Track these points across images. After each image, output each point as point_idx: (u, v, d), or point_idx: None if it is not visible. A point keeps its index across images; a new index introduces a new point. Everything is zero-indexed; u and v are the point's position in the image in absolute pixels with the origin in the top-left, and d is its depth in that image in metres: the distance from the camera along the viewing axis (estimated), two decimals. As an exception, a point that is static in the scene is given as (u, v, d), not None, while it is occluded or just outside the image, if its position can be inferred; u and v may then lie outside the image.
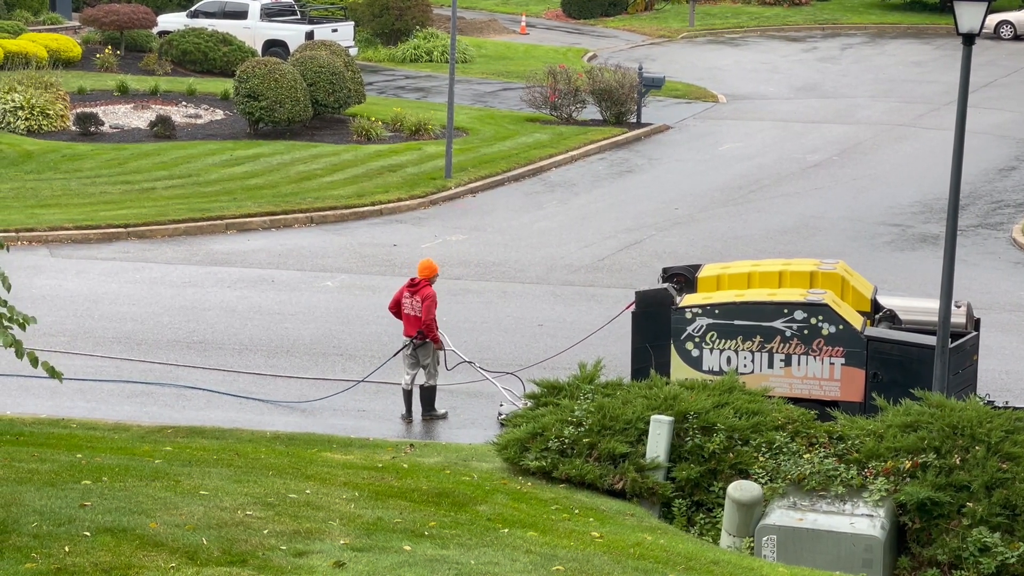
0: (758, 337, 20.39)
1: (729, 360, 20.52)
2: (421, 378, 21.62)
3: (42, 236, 31.56)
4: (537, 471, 16.95)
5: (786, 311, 20.35)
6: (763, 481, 16.18)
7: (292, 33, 51.97)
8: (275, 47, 51.64)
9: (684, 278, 22.45)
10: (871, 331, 20.53)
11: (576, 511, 15.28)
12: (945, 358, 19.52)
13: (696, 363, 20.61)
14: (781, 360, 20.36)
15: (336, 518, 13.57)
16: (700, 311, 20.61)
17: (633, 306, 21.65)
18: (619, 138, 43.83)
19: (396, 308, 21.94)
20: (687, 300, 21.08)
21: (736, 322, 20.51)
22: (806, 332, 20.24)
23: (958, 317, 21.34)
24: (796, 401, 20.04)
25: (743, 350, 20.45)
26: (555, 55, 57.54)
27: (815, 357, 20.22)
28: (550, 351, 24.33)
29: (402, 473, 16.86)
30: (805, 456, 16.41)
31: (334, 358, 24.24)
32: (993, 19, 62.84)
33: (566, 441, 16.98)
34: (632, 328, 21.31)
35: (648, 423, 17.01)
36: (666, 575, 12.88)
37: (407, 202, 35.83)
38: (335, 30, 52.61)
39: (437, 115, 43.41)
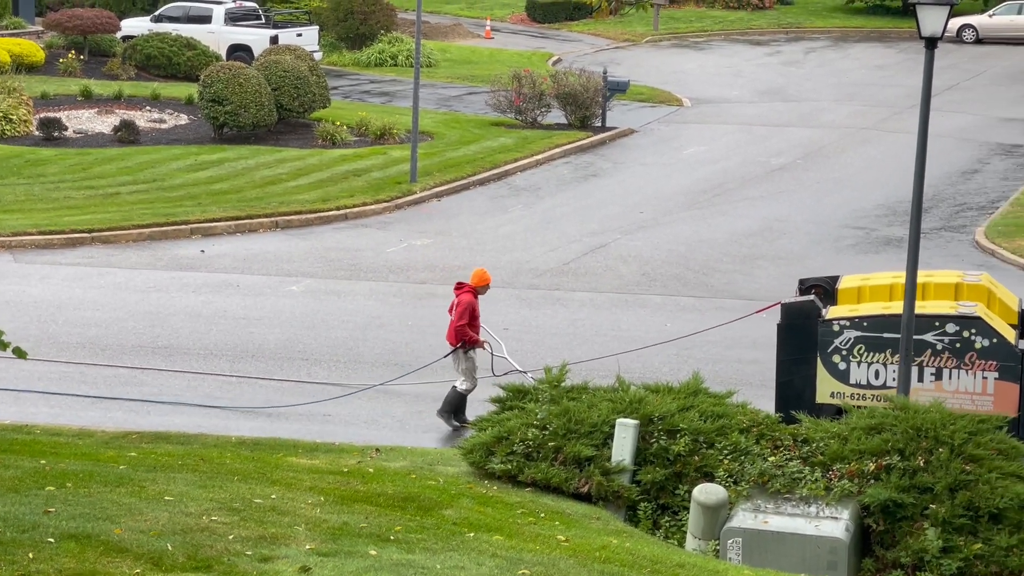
0: None
1: (877, 373, 20.25)
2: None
3: (5, 241, 31.42)
4: (503, 475, 16.96)
5: (937, 324, 20.09)
6: (728, 484, 16.22)
7: (256, 38, 51.86)
8: (240, 52, 51.52)
9: (823, 289, 22.04)
10: None
11: (542, 515, 15.31)
12: (910, 360, 19.60)
13: (843, 376, 20.33)
14: (932, 374, 20.12)
15: (302, 523, 13.55)
16: (848, 323, 20.30)
17: (770, 311, 21.45)
18: (584, 142, 43.89)
19: (450, 312, 22.32)
20: (834, 312, 20.81)
21: (885, 335, 20.22)
22: (958, 345, 20.00)
23: None
24: None
25: (892, 363, 20.15)
26: (520, 59, 57.59)
27: (967, 371, 19.94)
28: (513, 355, 24.34)
29: (368, 478, 16.84)
30: (770, 459, 16.46)
31: (299, 363, 24.21)
32: (955, 23, 63.12)
33: (531, 445, 16.99)
34: (778, 341, 20.98)
35: (613, 426, 17.03)
36: (632, 578, 12.92)
37: (372, 206, 35.79)
38: (300, 34, 52.53)
39: (402, 119, 43.38)
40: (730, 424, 17.11)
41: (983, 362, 19.88)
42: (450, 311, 22.31)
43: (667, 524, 16.37)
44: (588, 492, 16.57)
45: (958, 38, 63.67)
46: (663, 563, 13.78)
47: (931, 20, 19.10)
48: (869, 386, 20.17)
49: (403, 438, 20.97)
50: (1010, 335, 20.21)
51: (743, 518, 15.67)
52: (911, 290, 19.61)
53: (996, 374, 19.83)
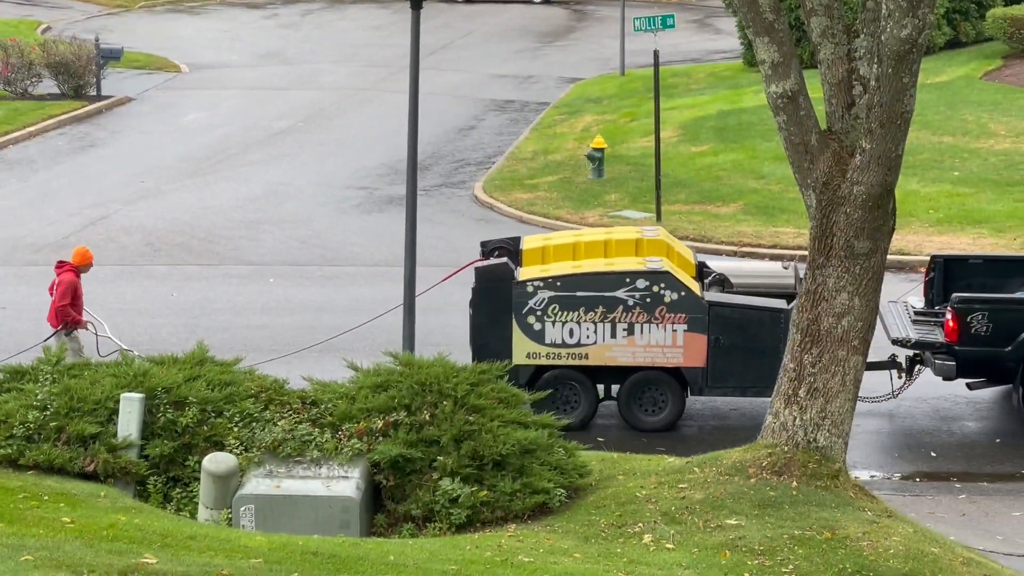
0: (600, 307, 20.38)
1: (572, 332, 20.50)
2: None
3: None
4: (3, 460, 16.30)
5: (628, 280, 20.41)
6: (238, 452, 16.06)
7: None
8: None
9: (507, 250, 22.05)
10: (711, 296, 20.78)
11: (45, 497, 14.81)
12: (412, 317, 19.91)
13: (538, 336, 20.53)
14: (624, 329, 20.45)
15: None
16: (541, 284, 20.47)
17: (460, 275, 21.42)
18: (79, 112, 42.72)
19: (51, 291, 21.45)
20: (526, 273, 20.87)
21: (578, 293, 20.46)
22: (648, 300, 20.36)
23: (787, 278, 21.77)
24: (640, 369, 20.31)
25: (586, 321, 20.46)
26: (6, 28, 55.37)
27: (658, 325, 20.37)
28: (13, 334, 23.49)
29: None
30: (280, 423, 16.38)
31: None
32: (447, -17, 64.45)
33: (32, 427, 16.38)
34: (472, 304, 20.92)
35: (119, 402, 16.62)
36: (141, 554, 12.64)
37: None
38: None
39: None
40: (238, 391, 16.92)
41: (673, 315, 20.51)
42: (50, 291, 21.39)
43: (179, 497, 16.08)
44: (95, 471, 16.10)
45: (451, -3, 65.05)
46: (173, 536, 13.56)
47: (415, -20, 19.43)
48: (564, 344, 20.60)
49: None
50: (696, 287, 20.88)
51: (255, 484, 15.56)
52: (411, 247, 19.94)
53: (685, 326, 20.49)
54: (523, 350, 20.62)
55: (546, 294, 20.61)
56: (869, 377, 21.44)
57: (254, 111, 43.87)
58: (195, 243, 30.32)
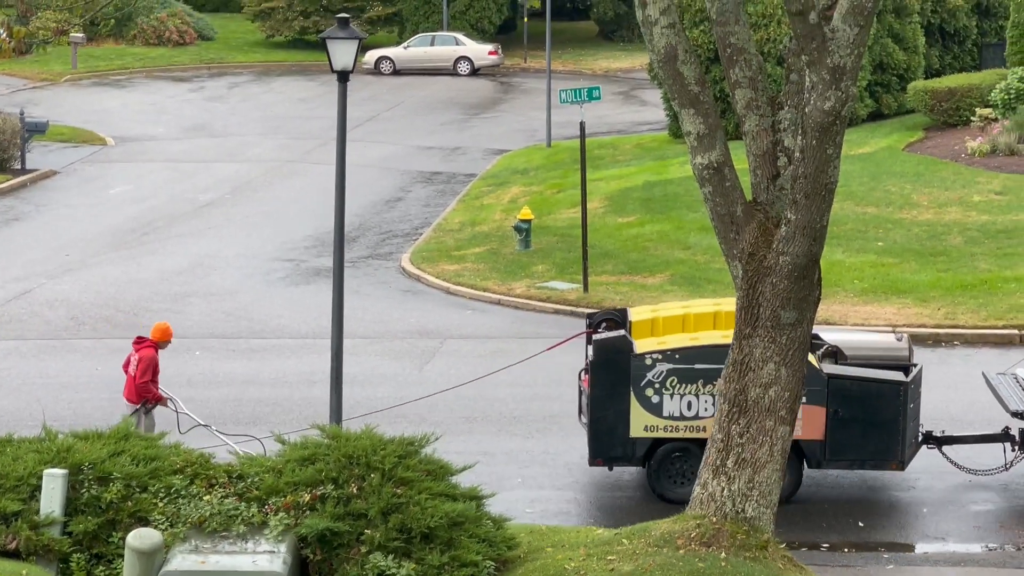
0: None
1: (690, 404, 20.28)
2: None
3: None
4: (-77, 539, 16.06)
5: None
6: (164, 527, 15.90)
7: None
8: None
9: (614, 323, 21.80)
10: (830, 368, 20.52)
11: (-34, 577, 14.61)
12: (339, 387, 19.81)
13: (656, 409, 20.28)
14: None
15: None
16: (660, 356, 20.24)
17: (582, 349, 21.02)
18: (3, 186, 42.48)
19: (126, 369, 21.15)
20: (644, 346, 20.60)
21: (697, 366, 20.23)
22: None
23: (901, 350, 21.44)
24: None
25: (704, 394, 20.22)
26: (-69, 101, 55.20)
27: None
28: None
29: None
30: (205, 498, 16.23)
31: None
32: (373, 55, 64.43)
33: (-47, 504, 16.17)
34: (591, 377, 20.61)
35: (42, 478, 16.41)
36: (64, 634, 12.44)
37: None
38: None
39: None
40: (163, 466, 16.76)
41: None
42: (125, 368, 21.08)
43: (103, 574, 15.90)
44: (16, 549, 15.90)
45: (376, 70, 65.01)
46: (97, 615, 13.38)
47: (341, 54, 19.70)
48: (682, 417, 20.38)
49: None
50: (813, 360, 20.47)
51: (180, 560, 15.37)
52: (338, 319, 19.85)
53: (804, 399, 19.96)
54: (641, 423, 20.42)
55: (664, 367, 20.39)
56: (978, 450, 21.56)
57: (180, 184, 43.73)
58: (120, 316, 30.07)
